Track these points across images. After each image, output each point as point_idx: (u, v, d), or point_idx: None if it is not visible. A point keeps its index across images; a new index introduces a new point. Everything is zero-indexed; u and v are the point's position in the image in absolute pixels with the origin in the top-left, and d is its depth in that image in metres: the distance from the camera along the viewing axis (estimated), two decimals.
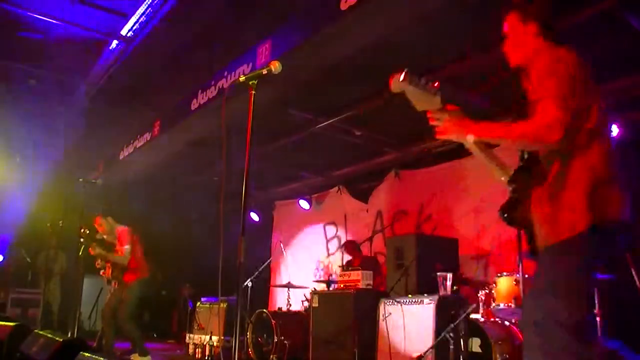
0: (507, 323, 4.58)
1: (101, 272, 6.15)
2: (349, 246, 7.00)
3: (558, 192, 1.92)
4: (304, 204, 8.93)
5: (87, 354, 2.98)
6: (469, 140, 2.02)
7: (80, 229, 5.84)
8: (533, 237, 2.09)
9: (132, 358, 5.91)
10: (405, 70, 1.95)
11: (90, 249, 5.79)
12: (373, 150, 7.60)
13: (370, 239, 6.71)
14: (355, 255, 6.90)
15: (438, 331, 4.36)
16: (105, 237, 6.13)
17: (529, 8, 2.15)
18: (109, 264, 6.02)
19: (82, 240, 5.85)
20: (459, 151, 6.74)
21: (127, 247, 5.87)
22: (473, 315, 4.60)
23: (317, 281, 7.43)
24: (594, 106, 1.95)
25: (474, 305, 4.48)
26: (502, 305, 4.51)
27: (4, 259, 9.15)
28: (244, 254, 2.52)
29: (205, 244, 8.24)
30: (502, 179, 2.21)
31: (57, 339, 3.52)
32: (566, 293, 1.84)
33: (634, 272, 4.31)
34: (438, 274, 4.85)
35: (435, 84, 2.00)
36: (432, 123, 2.07)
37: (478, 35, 4.54)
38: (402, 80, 1.97)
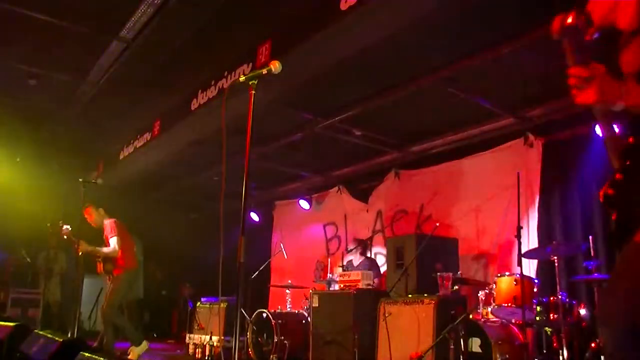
0: (507, 323, 4.58)
1: (97, 271, 6.15)
2: (353, 244, 6.95)
3: None
4: (304, 204, 8.92)
5: (87, 354, 2.98)
6: (618, 107, 1.63)
7: (61, 228, 5.84)
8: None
9: (129, 352, 5.92)
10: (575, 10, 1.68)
11: (78, 248, 5.71)
12: (373, 150, 7.60)
13: (370, 239, 6.71)
14: (360, 253, 6.86)
15: (438, 331, 4.36)
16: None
17: None
18: (99, 259, 5.98)
19: (65, 238, 5.85)
20: (459, 151, 6.75)
21: (114, 238, 5.85)
22: (473, 315, 4.60)
23: (317, 281, 7.43)
24: None
25: (474, 305, 4.48)
26: (502, 305, 4.51)
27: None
28: (243, 254, 2.52)
29: (205, 244, 8.25)
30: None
31: (57, 339, 3.52)
32: None
33: None
34: (438, 274, 4.86)
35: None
36: (578, 81, 1.69)
37: (478, 35, 4.55)
38: (569, 21, 1.70)
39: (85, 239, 5.90)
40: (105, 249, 5.88)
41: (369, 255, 7.12)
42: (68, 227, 5.93)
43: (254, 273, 6.63)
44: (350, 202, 8.44)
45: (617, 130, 1.73)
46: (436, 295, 4.71)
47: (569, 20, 1.67)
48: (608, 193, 1.70)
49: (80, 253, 5.74)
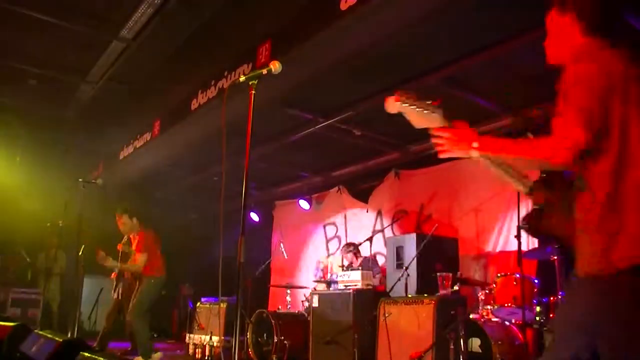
0: (507, 323, 4.58)
1: (112, 275, 6.17)
2: (347, 248, 6.96)
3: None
4: (304, 204, 8.92)
5: (87, 354, 2.98)
6: (473, 155, 1.87)
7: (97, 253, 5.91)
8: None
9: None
10: (399, 90, 1.95)
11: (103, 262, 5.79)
12: (373, 150, 7.60)
13: (370, 239, 6.70)
14: (354, 256, 6.88)
15: (438, 331, 4.36)
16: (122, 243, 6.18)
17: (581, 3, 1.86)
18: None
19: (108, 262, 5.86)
20: None
21: (142, 255, 5.83)
22: (473, 315, 4.60)
23: (317, 281, 7.42)
24: (634, 108, 1.69)
25: (474, 305, 4.48)
26: (502, 306, 4.51)
27: None
28: (243, 254, 2.52)
29: (205, 244, 8.26)
30: (520, 189, 2.03)
31: (57, 339, 3.52)
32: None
33: None
34: (438, 274, 4.85)
35: (435, 102, 1.96)
36: (434, 141, 1.92)
37: (478, 35, 4.55)
38: (396, 101, 1.97)
39: (85, 239, 5.91)
40: (131, 265, 5.89)
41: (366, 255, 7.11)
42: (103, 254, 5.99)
43: (254, 273, 6.63)
44: (350, 202, 8.44)
45: None
46: (436, 295, 4.71)
47: (395, 99, 1.94)
48: (528, 224, 1.97)
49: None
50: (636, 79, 1.72)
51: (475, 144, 1.81)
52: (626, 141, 1.67)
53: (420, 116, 1.95)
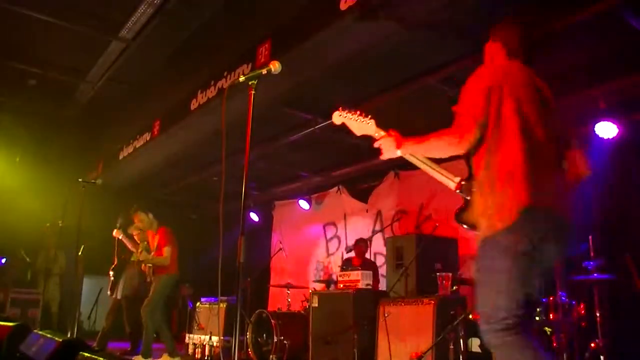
0: None
1: (142, 267, 6.22)
2: (362, 245, 6.93)
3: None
4: (303, 204, 8.92)
5: (86, 354, 2.98)
6: (400, 154, 2.40)
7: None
8: None
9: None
10: (340, 107, 2.52)
11: (138, 255, 5.95)
12: (373, 150, 7.57)
13: (370, 239, 6.70)
14: (361, 254, 6.86)
15: (438, 331, 4.36)
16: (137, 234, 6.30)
17: (494, 29, 2.52)
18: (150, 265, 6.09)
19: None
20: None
21: (167, 248, 5.95)
22: (473, 316, 4.60)
23: (317, 281, 7.43)
24: (511, 110, 2.15)
25: (474, 305, 4.48)
26: None
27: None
28: (243, 254, 2.52)
29: (205, 244, 8.25)
30: (450, 185, 2.51)
31: (57, 339, 3.52)
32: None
33: (633, 272, 4.32)
34: (438, 274, 4.85)
35: (368, 116, 2.51)
36: (374, 145, 2.45)
37: (478, 35, 4.54)
38: (339, 115, 2.53)
39: (85, 239, 5.91)
40: (158, 258, 5.96)
41: (367, 256, 7.11)
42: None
43: (254, 273, 6.63)
44: (350, 202, 8.44)
45: None
46: (436, 295, 4.71)
47: (338, 114, 2.59)
48: (457, 216, 2.49)
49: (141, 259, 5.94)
50: (529, 88, 2.23)
51: (399, 151, 2.38)
52: (497, 134, 2.14)
53: (359, 126, 2.54)
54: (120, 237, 6.60)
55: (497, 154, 2.13)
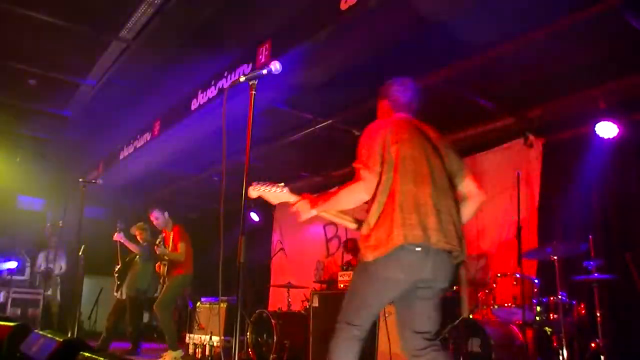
0: (507, 323, 4.58)
1: (156, 268, 6.28)
2: (349, 244, 6.99)
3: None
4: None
5: (87, 354, 2.98)
6: (316, 213, 2.67)
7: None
8: None
9: (163, 356, 6.00)
10: (253, 182, 2.71)
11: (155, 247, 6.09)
12: None
13: None
14: (355, 253, 6.89)
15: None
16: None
17: (383, 89, 3.00)
18: (165, 261, 6.21)
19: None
20: (459, 151, 6.73)
21: (182, 244, 6.11)
22: (473, 316, 4.60)
23: (317, 281, 7.42)
24: (396, 157, 2.52)
25: (474, 305, 4.48)
26: (502, 306, 4.51)
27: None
28: (244, 254, 2.52)
29: (205, 244, 8.25)
30: (352, 227, 2.83)
31: (57, 339, 3.52)
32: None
33: (634, 273, 4.32)
34: None
35: (281, 184, 2.74)
36: (292, 209, 2.70)
37: (478, 35, 4.54)
38: (253, 190, 2.71)
39: (85, 239, 5.91)
40: (174, 254, 6.10)
41: None
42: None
43: (254, 273, 6.64)
44: None
45: None
46: None
47: (253, 188, 2.73)
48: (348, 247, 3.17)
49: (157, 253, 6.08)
50: (414, 135, 2.61)
51: (313, 210, 2.65)
52: (387, 179, 2.49)
53: (274, 196, 2.74)
54: (121, 241, 6.64)
55: (382, 198, 2.47)
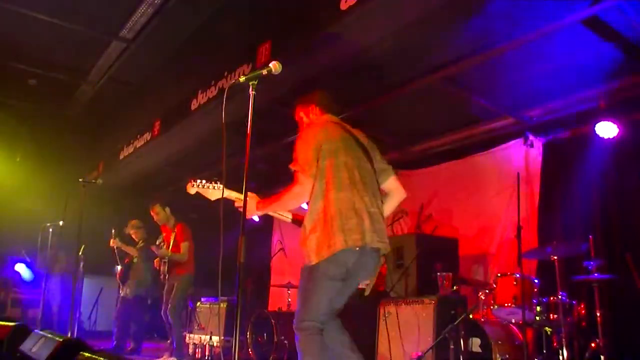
0: (507, 323, 4.58)
1: (155, 265, 6.26)
2: None
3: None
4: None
5: (87, 354, 2.98)
6: (260, 214, 2.91)
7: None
8: None
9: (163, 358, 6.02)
10: (190, 179, 2.91)
11: (153, 247, 6.06)
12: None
13: None
14: None
15: (438, 331, 4.36)
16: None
17: (305, 97, 3.19)
18: (164, 260, 6.17)
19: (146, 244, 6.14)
20: (459, 151, 6.74)
21: (185, 243, 6.08)
22: (473, 315, 4.60)
23: None
24: (330, 163, 2.75)
25: (474, 305, 4.48)
26: (502, 305, 4.51)
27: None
28: (244, 254, 2.52)
29: (205, 244, 8.24)
30: (289, 221, 3.21)
31: (57, 339, 3.52)
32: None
33: (634, 273, 4.32)
34: (438, 274, 4.85)
35: (218, 182, 2.92)
36: (235, 206, 2.88)
37: (478, 35, 4.55)
38: (192, 186, 2.91)
39: (85, 239, 5.91)
40: (176, 255, 6.08)
41: None
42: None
43: (254, 273, 6.65)
44: None
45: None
46: (436, 295, 4.71)
47: (190, 185, 3.00)
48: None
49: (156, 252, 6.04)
50: (346, 141, 2.85)
51: (257, 211, 2.87)
52: (318, 186, 2.74)
53: (212, 192, 2.93)
54: (118, 246, 6.59)
55: (318, 203, 2.73)
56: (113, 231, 6.59)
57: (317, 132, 2.87)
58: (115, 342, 6.45)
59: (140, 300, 6.80)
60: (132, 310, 6.81)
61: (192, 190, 2.91)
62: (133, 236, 6.97)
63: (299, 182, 2.77)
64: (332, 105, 3.13)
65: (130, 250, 6.79)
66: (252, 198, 2.82)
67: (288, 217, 3.16)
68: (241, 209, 2.72)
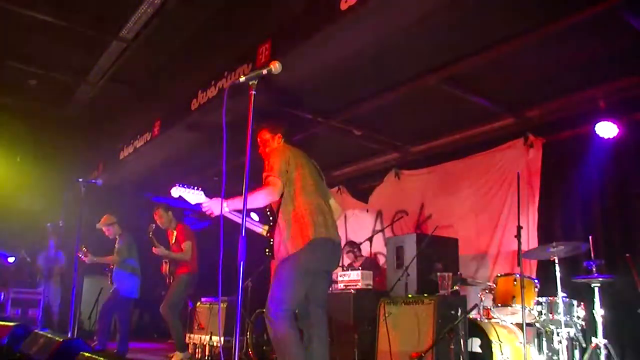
0: (507, 323, 4.58)
1: (161, 268, 6.27)
2: (350, 245, 6.98)
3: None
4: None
5: (87, 354, 2.99)
6: (227, 210, 3.19)
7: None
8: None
9: (172, 356, 6.00)
10: (174, 184, 3.33)
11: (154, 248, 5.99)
12: (373, 150, 7.60)
13: (370, 239, 6.70)
14: (354, 256, 6.88)
15: (438, 331, 4.35)
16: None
17: (274, 126, 3.81)
18: (166, 260, 6.18)
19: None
20: (459, 151, 6.75)
21: (188, 243, 6.09)
22: (473, 315, 4.60)
23: None
24: (298, 174, 3.41)
25: (474, 305, 4.48)
26: (502, 306, 4.51)
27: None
28: (244, 254, 2.52)
29: (205, 243, 8.24)
30: (260, 231, 3.64)
31: (57, 339, 3.53)
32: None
33: (634, 273, 4.32)
34: (438, 274, 4.85)
35: (198, 188, 3.32)
36: (203, 209, 3.24)
37: (478, 35, 4.55)
38: (176, 190, 3.31)
39: (85, 239, 5.90)
40: (178, 254, 6.09)
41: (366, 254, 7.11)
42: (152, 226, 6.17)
43: (254, 273, 6.64)
44: (350, 202, 8.44)
45: None
46: (436, 295, 4.70)
47: (174, 189, 3.39)
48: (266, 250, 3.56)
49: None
50: (303, 159, 3.58)
51: (225, 209, 3.11)
52: (288, 193, 3.36)
53: (193, 197, 3.30)
54: (94, 261, 6.36)
55: (289, 206, 3.34)
56: (82, 249, 6.14)
57: (288, 150, 3.53)
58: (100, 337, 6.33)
59: (121, 302, 6.65)
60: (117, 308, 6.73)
61: (175, 193, 3.32)
62: (106, 233, 6.61)
63: (272, 184, 3.26)
64: (290, 137, 3.85)
65: (108, 260, 6.51)
66: (215, 199, 3.19)
67: (264, 229, 3.60)
68: (210, 208, 3.17)
